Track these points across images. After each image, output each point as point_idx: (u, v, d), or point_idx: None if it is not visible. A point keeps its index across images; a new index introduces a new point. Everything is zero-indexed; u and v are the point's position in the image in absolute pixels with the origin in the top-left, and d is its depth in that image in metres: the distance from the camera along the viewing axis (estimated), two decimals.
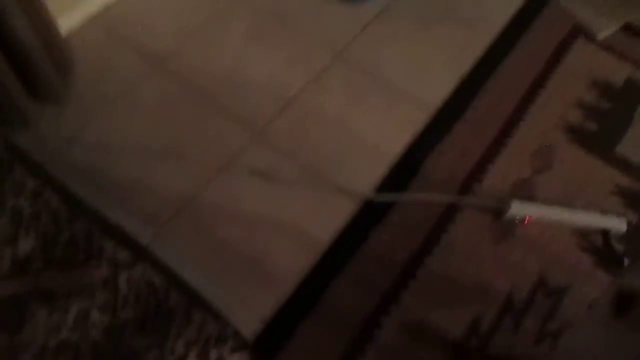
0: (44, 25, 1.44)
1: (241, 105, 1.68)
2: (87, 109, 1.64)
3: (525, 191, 1.63)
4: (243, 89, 1.72)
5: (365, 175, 1.60)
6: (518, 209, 1.54)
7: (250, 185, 1.55)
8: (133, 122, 1.63)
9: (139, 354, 1.11)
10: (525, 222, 1.55)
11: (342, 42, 1.86)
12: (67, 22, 1.72)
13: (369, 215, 1.54)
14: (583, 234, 1.57)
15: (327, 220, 1.52)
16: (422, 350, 1.37)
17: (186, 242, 1.45)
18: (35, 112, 1.54)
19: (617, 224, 1.56)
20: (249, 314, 1.33)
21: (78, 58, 1.70)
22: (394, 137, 1.68)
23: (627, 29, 2.02)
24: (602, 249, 1.56)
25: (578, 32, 1.98)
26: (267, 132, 1.65)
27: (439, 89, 1.79)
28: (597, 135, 1.77)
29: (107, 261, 1.22)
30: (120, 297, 1.18)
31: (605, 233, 1.56)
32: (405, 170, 1.63)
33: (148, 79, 1.71)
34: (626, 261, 1.53)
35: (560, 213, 1.56)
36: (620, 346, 1.40)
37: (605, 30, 1.99)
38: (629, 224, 1.57)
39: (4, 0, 1.23)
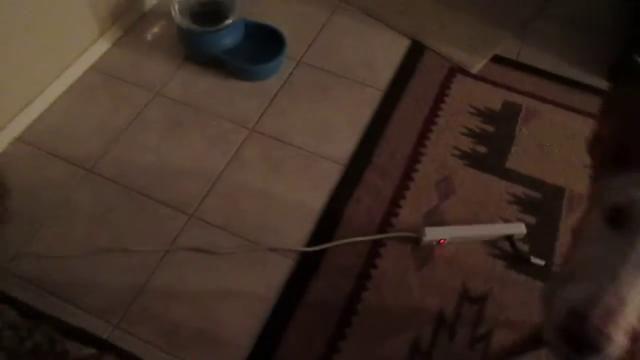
0: None
1: (173, 192, 1.84)
2: (28, 224, 1.76)
3: (436, 217, 1.85)
4: (172, 177, 1.88)
5: (295, 233, 1.78)
6: (432, 234, 1.75)
7: (193, 263, 1.70)
8: (74, 227, 1.76)
9: None
10: (441, 242, 1.76)
11: (253, 118, 2.06)
12: None
13: (304, 268, 1.71)
14: (491, 244, 1.80)
15: (268, 279, 1.68)
16: None
17: (144, 330, 1.57)
18: None
19: (518, 229, 1.80)
20: None
21: (11, 178, 1.82)
22: (313, 194, 1.87)
23: (496, 59, 2.33)
24: (510, 253, 1.78)
25: (455, 70, 2.27)
26: (200, 211, 1.81)
27: (345, 144, 2.01)
28: (487, 156, 2.02)
29: (74, 359, 1.32)
30: None
31: (509, 238, 1.79)
32: (329, 222, 1.82)
33: (81, 185, 1.85)
34: (532, 259, 1.75)
35: (469, 230, 1.78)
36: None
37: (477, 64, 2.29)
38: (527, 226, 1.81)
39: None
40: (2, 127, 1.91)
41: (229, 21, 2.10)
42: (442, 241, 1.77)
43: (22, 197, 1.81)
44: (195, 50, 2.19)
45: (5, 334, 1.36)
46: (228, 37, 2.15)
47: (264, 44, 2.22)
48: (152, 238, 1.74)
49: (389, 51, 2.33)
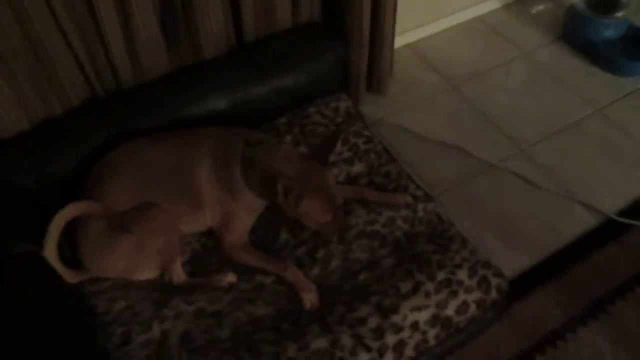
0: (390, 41, 2.06)
1: (513, 127, 2.14)
2: (396, 103, 2.21)
3: None
4: (516, 117, 2.18)
5: (609, 202, 1.92)
6: None
7: (512, 184, 1.97)
8: (429, 120, 2.16)
9: (427, 254, 1.52)
10: None
11: (604, 102, 2.24)
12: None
13: (604, 232, 1.85)
14: None
15: (570, 225, 1.86)
16: None
17: (456, 209, 1.89)
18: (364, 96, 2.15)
19: None
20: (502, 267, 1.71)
21: (396, 69, 2.29)
22: (637, 183, 1.98)
23: None
24: None
25: None
26: (531, 149, 2.07)
27: None
28: None
29: (410, 194, 1.69)
30: (417, 217, 1.63)
31: None
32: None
33: (444, 95, 2.26)
34: None
35: None
36: None
37: None
38: None
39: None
40: (404, 31, 2.40)
41: (620, 14, 2.29)
42: None
43: (399, 85, 2.27)
44: (576, 32, 2.43)
45: (371, 155, 1.75)
46: (612, 29, 2.35)
47: (637, 46, 2.36)
48: (486, 152, 2.05)
49: None
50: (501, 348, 1.62)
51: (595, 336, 1.63)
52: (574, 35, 2.44)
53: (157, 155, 1.47)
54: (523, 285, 1.73)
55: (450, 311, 1.40)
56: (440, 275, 1.45)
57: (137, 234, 1.39)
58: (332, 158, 1.68)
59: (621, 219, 1.87)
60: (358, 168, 1.71)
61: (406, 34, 2.41)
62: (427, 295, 1.41)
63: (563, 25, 2.50)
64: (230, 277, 1.44)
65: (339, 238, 1.49)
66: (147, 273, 1.45)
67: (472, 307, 1.42)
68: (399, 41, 2.39)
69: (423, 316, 1.38)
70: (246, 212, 1.49)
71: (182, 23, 1.58)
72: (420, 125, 2.14)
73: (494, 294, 1.44)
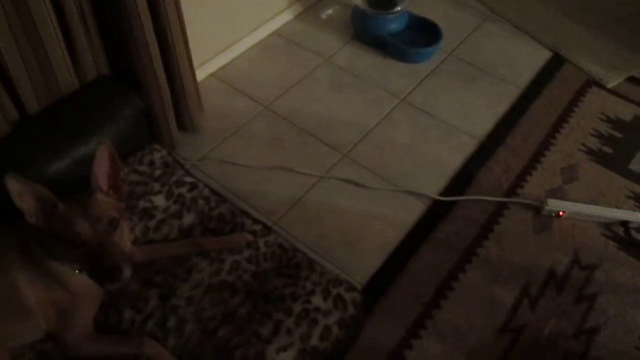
0: (190, 77, 2.00)
1: (332, 135, 2.20)
2: (213, 138, 2.16)
3: (558, 195, 2.06)
4: (332, 123, 2.24)
5: (430, 184, 2.06)
6: (553, 205, 1.97)
7: (342, 190, 2.02)
8: (250, 147, 2.14)
9: (278, 289, 1.52)
10: (560, 214, 1.97)
11: (405, 91, 2.39)
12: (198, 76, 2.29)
13: (435, 212, 1.99)
14: (606, 226, 1.98)
15: (403, 215, 1.96)
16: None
17: (297, 230, 1.90)
18: (179, 138, 2.07)
19: (635, 217, 1.97)
20: (354, 275, 1.75)
21: (205, 102, 2.24)
22: (450, 157, 2.15)
23: (632, 80, 2.52)
24: (623, 237, 1.96)
25: (591, 83, 2.49)
26: (352, 153, 2.14)
27: (483, 124, 2.28)
28: (612, 156, 2.22)
29: (247, 231, 1.66)
30: (260, 253, 1.61)
31: (624, 224, 1.97)
32: (461, 180, 2.08)
33: (259, 117, 2.25)
34: None
35: (587, 208, 1.98)
36: None
37: (613, 81, 2.49)
38: None
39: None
40: (203, 63, 2.35)
41: (397, 8, 2.46)
42: (561, 213, 1.97)
43: (212, 118, 2.22)
44: (364, 30, 2.56)
45: (199, 201, 1.71)
46: (394, 22, 2.52)
47: (421, 34, 2.56)
48: (311, 165, 2.09)
49: (530, 58, 2.58)
50: (372, 353, 1.66)
51: (454, 309, 1.74)
52: (364, 33, 2.58)
53: None
54: (378, 285, 1.79)
55: (314, 341, 1.40)
56: (297, 308, 1.44)
57: None
58: (159, 215, 1.59)
59: (445, 198, 2.01)
60: (189, 219, 1.63)
61: (206, 64, 2.37)
62: (289, 332, 1.39)
63: (352, 26, 2.63)
64: None
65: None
66: None
67: (335, 329, 1.43)
68: (201, 73, 2.33)
69: (290, 355, 1.36)
70: (85, 299, 1.35)
71: None
72: (243, 154, 2.11)
73: (351, 310, 1.46)
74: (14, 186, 1.18)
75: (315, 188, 2.03)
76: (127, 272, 1.21)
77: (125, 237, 1.30)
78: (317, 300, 1.46)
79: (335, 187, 2.03)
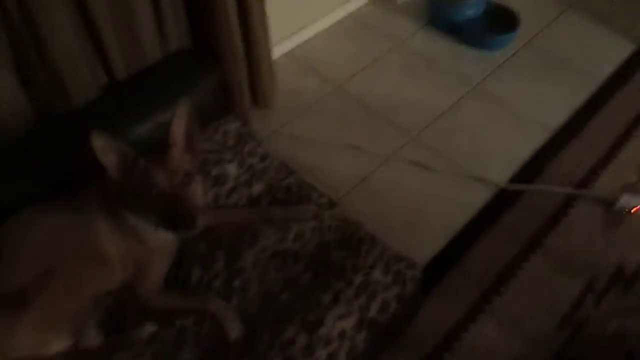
0: (267, 54, 2.06)
1: (402, 118, 2.21)
2: (285, 114, 2.22)
3: (631, 192, 1.99)
4: (402, 107, 2.25)
5: (499, 172, 2.04)
6: (627, 200, 1.91)
7: (408, 172, 2.03)
8: (319, 125, 2.18)
9: (340, 261, 1.55)
10: (633, 211, 1.91)
11: (477, 79, 2.37)
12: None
13: (501, 200, 1.96)
14: None
15: (469, 200, 1.95)
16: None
17: (361, 207, 1.92)
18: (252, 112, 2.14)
19: None
20: (415, 254, 1.76)
21: (278, 80, 2.30)
22: (521, 147, 2.12)
23: None
24: None
25: None
26: (420, 136, 2.14)
27: (557, 115, 2.23)
28: None
29: (314, 203, 1.70)
30: (325, 225, 1.64)
31: None
32: (531, 171, 2.05)
33: (329, 97, 2.29)
34: None
35: None
36: None
37: None
38: None
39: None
40: (279, 41, 2.40)
41: None
42: (634, 210, 1.91)
43: (285, 95, 2.27)
44: (439, 16, 2.55)
45: (268, 172, 1.76)
46: (471, 9, 2.49)
47: (498, 21, 2.52)
48: (379, 146, 2.11)
49: (612, 51, 2.49)
50: (428, 336, 1.67)
51: (515, 297, 1.72)
52: (439, 19, 2.56)
53: (49, 226, 1.38)
54: (438, 267, 1.79)
55: (373, 312, 1.43)
56: (357, 279, 1.47)
57: (38, 309, 1.29)
58: (230, 183, 1.66)
59: (512, 186, 1.99)
60: (258, 188, 1.69)
61: (282, 43, 2.42)
62: (349, 302, 1.42)
63: (428, 12, 2.61)
64: (150, 327, 1.38)
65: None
66: (59, 344, 1.36)
67: (393, 304, 1.45)
68: (277, 51, 2.39)
69: (349, 323, 1.40)
70: (159, 255, 1.44)
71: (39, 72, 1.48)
72: (312, 131, 2.15)
73: (410, 287, 1.48)
74: (99, 142, 1.26)
75: (382, 168, 2.05)
76: (200, 222, 1.28)
77: (198, 192, 1.36)
78: (377, 274, 1.49)
79: (401, 169, 2.05)
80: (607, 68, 2.42)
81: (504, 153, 2.10)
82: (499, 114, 2.23)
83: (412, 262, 1.54)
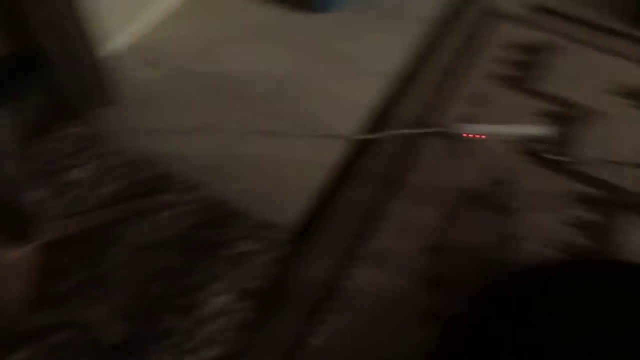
0: (96, 50, 1.97)
1: (250, 90, 2.22)
2: (132, 108, 2.14)
3: (471, 122, 2.15)
4: (250, 80, 2.26)
5: (349, 125, 2.12)
6: (469, 129, 2.07)
7: (263, 142, 2.05)
8: (170, 113, 2.14)
9: (208, 240, 1.55)
10: (475, 138, 2.07)
11: (315, 40, 2.44)
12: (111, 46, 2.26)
13: (357, 152, 2.05)
14: (520, 143, 2.10)
15: (325, 158, 2.01)
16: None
17: (222, 185, 1.89)
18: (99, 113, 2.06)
19: (547, 131, 2.09)
20: (281, 218, 1.79)
21: (122, 72, 2.21)
22: (367, 98, 2.21)
23: (538, 8, 2.64)
24: (536, 152, 2.08)
25: (497, 12, 2.59)
26: (270, 105, 2.18)
27: (395, 62, 2.36)
28: (520, 79, 2.33)
29: (175, 191, 1.68)
30: (186, 210, 1.62)
31: (537, 139, 2.08)
32: (380, 119, 2.15)
33: (176, 83, 2.25)
34: (558, 157, 2.04)
35: (501, 129, 2.09)
36: None
37: (521, 9, 2.60)
38: (555, 132, 2.10)
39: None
40: (115, 32, 2.31)
41: None
42: (476, 136, 2.07)
43: (130, 88, 2.19)
44: None
45: (121, 170, 1.73)
46: None
47: None
48: (231, 122, 2.11)
49: None
50: (311, 292, 1.71)
51: (383, 237, 1.82)
52: None
53: None
54: (308, 225, 1.84)
55: (250, 282, 1.46)
56: (228, 253, 1.49)
57: None
58: (77, 188, 1.60)
59: (363, 136, 2.08)
60: (111, 188, 1.65)
61: (117, 35, 2.33)
62: (221, 276, 1.44)
63: None
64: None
65: None
66: None
67: (266, 269, 1.49)
68: (112, 45, 2.30)
69: (228, 298, 1.42)
70: (14, 272, 1.37)
71: None
72: (165, 120, 2.11)
73: (280, 249, 1.52)
74: None
75: (239, 143, 2.06)
76: (41, 232, 1.23)
77: (35, 201, 1.30)
78: (247, 245, 1.52)
79: (255, 141, 2.07)
80: (433, 10, 2.58)
81: (352, 107, 2.19)
82: (342, 71, 2.32)
83: (278, 226, 1.58)
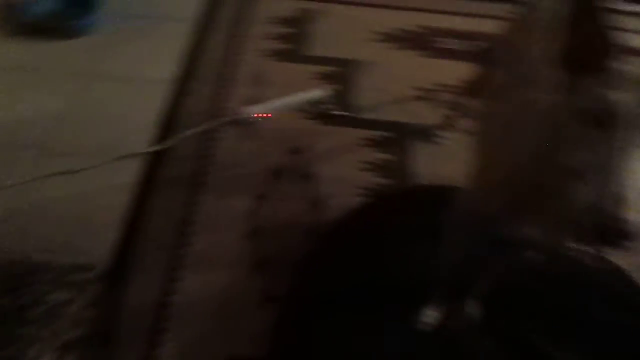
0: None
1: (28, 136, 2.08)
2: None
3: (256, 102, 2.22)
4: (25, 126, 2.11)
5: (141, 140, 2.07)
6: (255, 110, 2.13)
7: (54, 184, 1.92)
8: None
9: (13, 305, 1.44)
10: (264, 116, 2.14)
11: (83, 67, 2.34)
12: None
13: (155, 163, 2.02)
14: (307, 109, 2.20)
15: (125, 180, 1.95)
16: None
17: (17, 241, 1.76)
18: None
19: (323, 92, 2.22)
20: (94, 254, 1.71)
21: None
22: (151, 109, 2.17)
23: None
24: (323, 113, 2.20)
25: None
26: (53, 145, 2.05)
27: (169, 67, 2.34)
28: (292, 50, 2.44)
29: None
30: None
31: (318, 101, 2.20)
32: (166, 126, 2.13)
33: None
34: (341, 112, 2.18)
35: (285, 100, 2.18)
36: None
37: None
38: (331, 90, 2.24)
39: None
40: None
41: None
42: (262, 115, 2.14)
43: None
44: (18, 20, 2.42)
45: None
46: (42, 5, 2.41)
47: (76, 6, 2.49)
48: (15, 175, 1.94)
49: None
50: (143, 317, 1.66)
51: (200, 239, 1.81)
52: (19, 25, 2.43)
53: None
54: (124, 252, 1.78)
55: (70, 332, 1.39)
56: (38, 311, 1.41)
57: None
58: None
59: (156, 147, 2.05)
60: None
61: None
62: (40, 338, 1.37)
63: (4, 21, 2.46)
64: None
65: None
66: None
67: (85, 313, 1.43)
68: None
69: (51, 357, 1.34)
70: None
71: None
72: None
73: (93, 288, 1.47)
74: None
75: (25, 195, 1.91)
76: None
77: None
78: (54, 297, 1.44)
79: (45, 186, 1.94)
80: (192, 7, 2.59)
81: (139, 122, 2.14)
82: (118, 90, 2.25)
83: (87, 266, 1.52)
